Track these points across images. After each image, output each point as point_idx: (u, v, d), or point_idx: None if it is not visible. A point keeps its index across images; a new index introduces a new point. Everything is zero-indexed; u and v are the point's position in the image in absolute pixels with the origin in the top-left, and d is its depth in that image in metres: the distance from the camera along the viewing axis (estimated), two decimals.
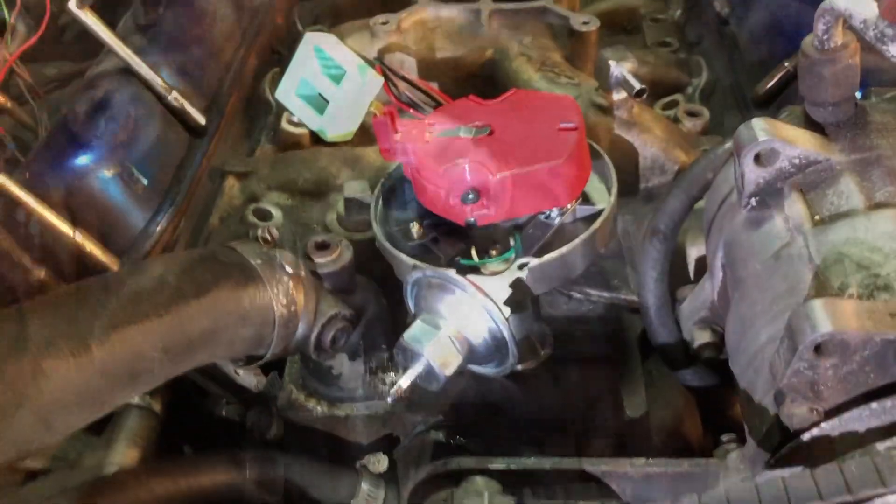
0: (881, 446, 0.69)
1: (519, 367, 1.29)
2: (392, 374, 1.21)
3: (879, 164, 0.90)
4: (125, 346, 0.86)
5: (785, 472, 0.71)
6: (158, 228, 1.32)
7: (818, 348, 0.73)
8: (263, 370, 1.22)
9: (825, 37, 0.90)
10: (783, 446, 0.77)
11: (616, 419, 1.26)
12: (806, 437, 0.74)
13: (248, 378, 1.17)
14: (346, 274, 1.16)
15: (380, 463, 1.23)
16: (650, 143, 1.35)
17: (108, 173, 1.30)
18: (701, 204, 1.22)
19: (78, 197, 1.28)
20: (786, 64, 1.49)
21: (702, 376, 1.17)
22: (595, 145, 1.24)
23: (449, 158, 1.13)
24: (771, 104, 1.50)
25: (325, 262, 1.13)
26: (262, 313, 1.02)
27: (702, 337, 1.11)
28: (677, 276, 1.22)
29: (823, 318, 0.72)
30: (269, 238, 1.10)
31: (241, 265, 1.02)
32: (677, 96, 1.57)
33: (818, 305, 0.73)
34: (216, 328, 0.96)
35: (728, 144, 1.12)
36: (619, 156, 1.30)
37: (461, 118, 1.20)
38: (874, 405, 0.71)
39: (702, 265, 1.25)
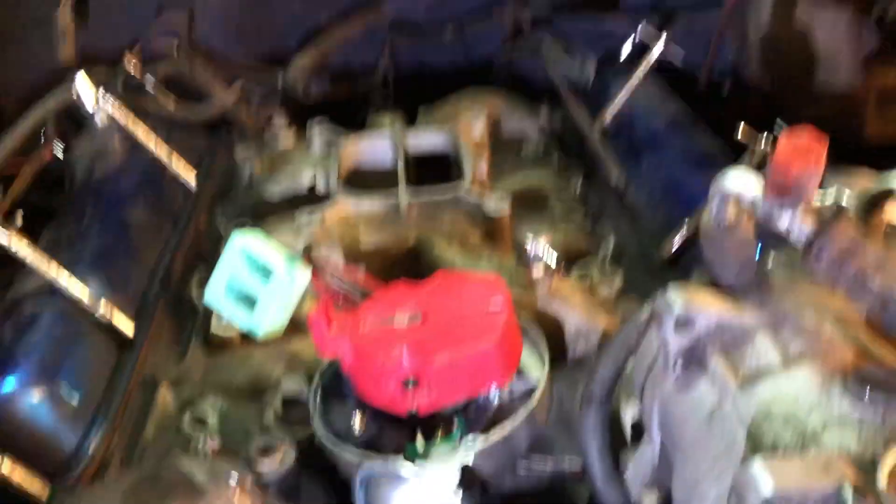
0: None
1: None
2: None
3: (787, 320, 0.97)
4: None
5: None
6: (91, 448, 1.28)
7: None
8: None
9: (720, 216, 0.99)
10: None
11: None
12: None
13: None
14: (290, 476, 1.14)
15: None
16: (572, 312, 1.42)
17: (35, 398, 1.27)
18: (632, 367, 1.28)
19: (3, 425, 1.24)
20: (685, 225, 1.61)
21: None
22: (523, 322, 1.30)
23: (385, 348, 1.16)
24: (677, 263, 1.61)
25: (270, 467, 1.12)
26: None
27: (650, 500, 1.12)
28: (617, 438, 1.25)
29: (766, 479, 0.76)
30: (211, 451, 1.09)
31: (185, 482, 1.00)
32: (590, 265, 1.66)
33: (760, 467, 0.77)
34: None
35: (646, 311, 1.19)
36: (545, 327, 1.35)
37: (393, 306, 1.24)
38: None
39: (637, 430, 1.29)
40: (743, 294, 1.03)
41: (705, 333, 0.99)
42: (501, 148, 2.13)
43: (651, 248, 1.69)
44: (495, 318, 1.19)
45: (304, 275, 1.49)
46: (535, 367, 1.28)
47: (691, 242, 1.62)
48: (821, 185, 1.14)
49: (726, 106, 2.34)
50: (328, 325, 1.20)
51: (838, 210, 0.90)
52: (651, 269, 1.66)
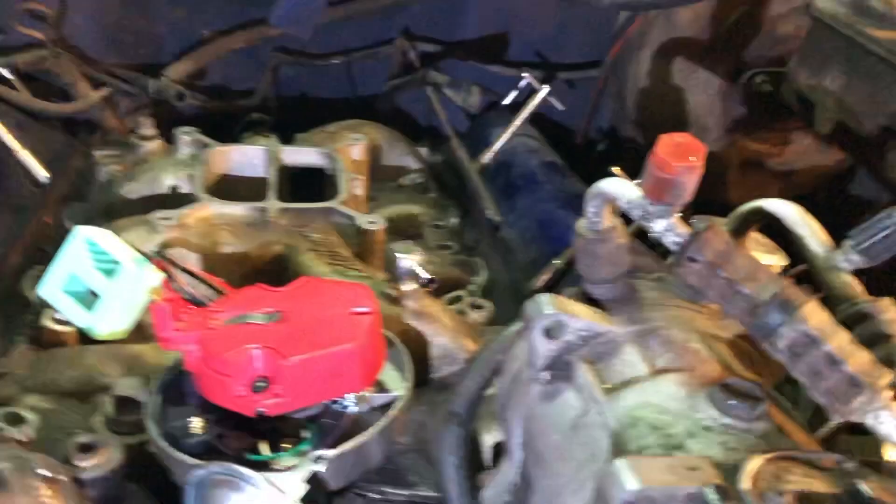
0: None
1: None
2: None
3: (656, 334, 0.96)
4: None
5: None
6: None
7: None
8: None
9: (596, 219, 0.98)
10: None
11: None
12: None
13: None
14: (114, 479, 1.02)
15: None
16: (440, 332, 1.37)
17: None
18: (492, 391, 1.23)
19: None
20: (554, 262, 1.61)
21: None
22: (388, 333, 1.24)
23: (236, 344, 1.07)
24: None
25: (91, 465, 0.99)
26: None
27: None
28: (475, 465, 1.20)
29: (630, 476, 0.72)
30: (23, 439, 0.95)
31: None
32: (461, 292, 1.63)
33: (624, 465, 0.73)
34: None
35: (514, 327, 1.16)
36: (411, 345, 1.29)
37: (251, 305, 1.15)
38: None
39: (498, 452, 1.24)
40: (613, 307, 1.01)
41: (574, 341, 0.96)
42: (379, 179, 2.09)
43: (522, 283, 1.68)
44: (359, 320, 1.12)
45: (153, 275, 1.37)
46: (396, 382, 1.21)
47: (560, 278, 1.62)
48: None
49: (601, 163, 2.41)
50: (175, 317, 1.10)
51: (711, 223, 0.90)
52: (521, 303, 1.63)
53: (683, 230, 0.88)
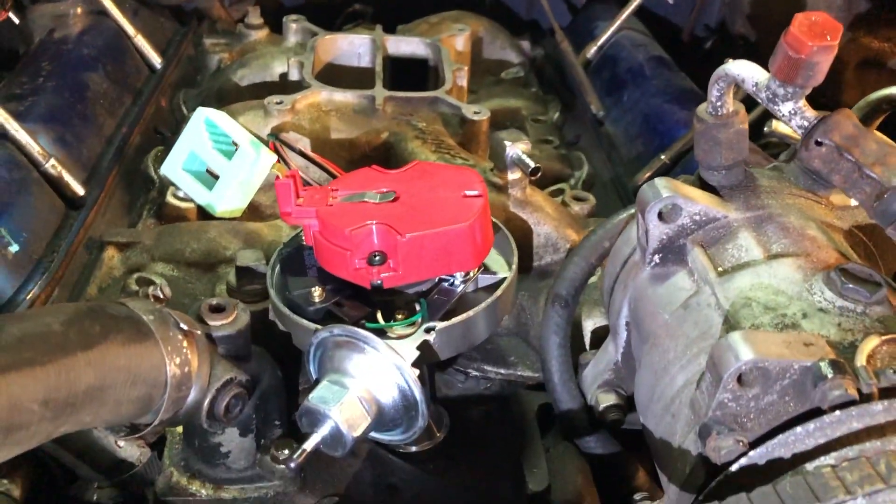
0: (810, 466, 0.70)
1: (414, 448, 1.25)
2: (286, 451, 1.13)
3: (772, 220, 0.96)
4: (1, 393, 0.77)
5: None
6: (28, 297, 1.21)
7: (741, 379, 0.74)
8: None
9: (719, 103, 0.97)
10: (710, 483, 0.77)
11: (517, 496, 1.22)
12: (734, 468, 0.74)
13: (132, 450, 1.06)
14: (241, 339, 1.09)
15: None
16: (543, 221, 1.39)
17: None
18: (594, 280, 1.26)
19: None
20: (661, 157, 1.59)
21: (605, 444, 1.17)
22: (494, 219, 1.26)
23: (354, 221, 1.11)
24: None
25: (221, 324, 1.07)
26: (153, 372, 0.94)
27: (606, 399, 1.11)
28: (575, 348, 1.24)
29: (745, 347, 0.74)
30: (160, 296, 1.03)
31: (131, 320, 0.94)
32: (563, 185, 1.64)
33: (739, 337, 0.75)
34: (104, 385, 0.87)
35: (622, 214, 1.17)
36: (514, 233, 1.32)
37: (365, 185, 1.19)
38: (798, 430, 0.72)
39: (598, 337, 1.27)
40: (729, 194, 1.01)
41: (688, 225, 0.97)
42: (481, 70, 2.09)
43: (625, 177, 1.68)
44: (471, 202, 1.15)
45: (269, 157, 1.43)
46: (501, 265, 1.24)
47: (666, 173, 1.61)
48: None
49: (708, 62, 2.33)
50: (297, 192, 1.15)
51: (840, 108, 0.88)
52: (623, 198, 1.64)
53: (812, 113, 0.87)
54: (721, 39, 2.34)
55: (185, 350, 0.97)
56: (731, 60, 1.54)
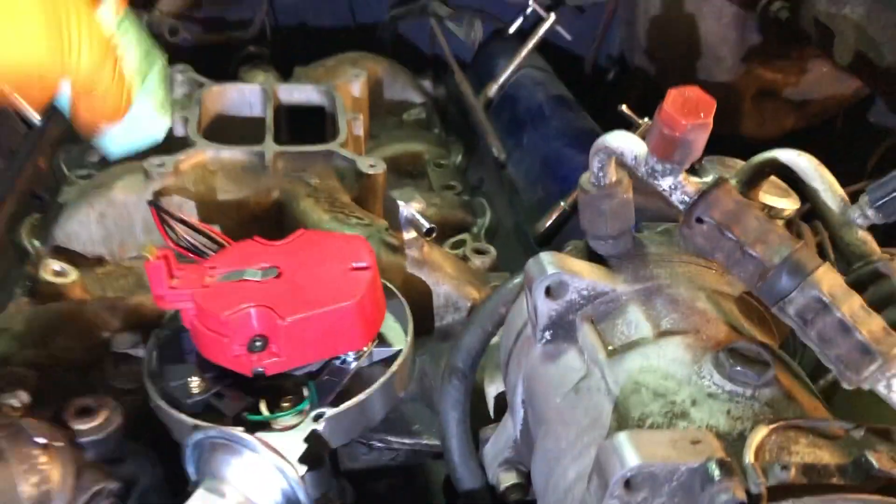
0: None
1: None
2: None
3: (661, 293, 0.93)
4: None
5: None
6: None
7: (628, 483, 0.70)
8: None
9: (600, 174, 0.93)
10: None
11: None
12: None
13: None
14: (113, 441, 1.01)
15: None
16: (442, 280, 1.34)
17: None
18: (496, 340, 1.21)
19: None
20: (561, 203, 1.57)
21: None
22: (389, 285, 1.21)
23: (232, 304, 1.05)
24: (551, 241, 1.57)
25: (88, 428, 0.99)
26: (5, 496, 0.85)
27: (507, 479, 1.06)
28: (478, 416, 1.19)
29: (630, 451, 0.70)
30: (16, 405, 0.94)
31: None
32: (464, 236, 1.60)
33: (624, 439, 0.71)
34: None
35: (518, 279, 1.13)
36: (413, 295, 1.27)
37: (245, 261, 1.13)
38: None
39: (501, 403, 1.23)
40: (617, 264, 0.98)
41: (577, 300, 0.94)
42: (381, 114, 2.04)
43: (526, 225, 1.65)
44: (358, 276, 1.10)
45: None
46: (397, 335, 1.19)
47: (566, 221, 1.58)
48: (695, 172, 1.11)
49: (610, 94, 2.34)
50: (169, 274, 1.07)
51: (721, 179, 0.85)
52: (525, 245, 1.61)
53: (691, 188, 0.84)
54: (622, 71, 2.35)
55: (42, 466, 0.89)
56: (623, 107, 1.53)
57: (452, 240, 1.57)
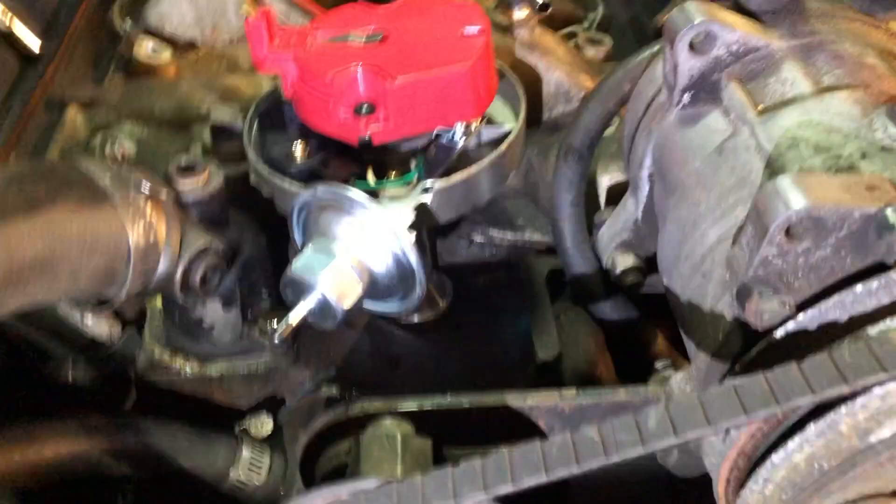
0: (873, 331, 0.60)
1: (416, 318, 1.16)
2: (275, 322, 1.04)
3: (822, 48, 0.82)
4: None
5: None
6: None
7: (789, 231, 0.62)
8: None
9: None
10: (748, 351, 0.67)
11: (526, 364, 1.14)
12: (778, 334, 0.64)
13: (100, 326, 0.97)
14: (216, 202, 0.98)
15: (263, 426, 1.06)
16: (554, 66, 1.24)
17: None
18: (610, 131, 1.12)
19: None
20: None
21: (621, 309, 1.07)
22: (499, 63, 1.12)
23: (337, 64, 0.97)
24: None
25: (192, 187, 0.95)
26: (112, 241, 0.83)
27: (624, 262, 1.00)
28: (589, 207, 1.12)
29: (796, 193, 0.61)
30: (120, 156, 0.91)
31: (84, 181, 0.83)
32: (575, 27, 1.48)
33: (789, 181, 0.62)
34: (52, 255, 0.77)
35: (644, 53, 1.03)
36: (521, 81, 1.18)
37: (349, 24, 1.05)
38: (859, 289, 0.61)
39: (615, 195, 1.15)
40: (772, 19, 0.86)
41: (724, 57, 0.83)
42: None
43: (644, 18, 1.51)
44: (471, 41, 1.01)
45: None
46: (507, 116, 1.11)
47: None
48: None
49: None
50: (270, 34, 1.00)
51: None
52: (641, 40, 1.48)
53: None
54: None
55: (149, 215, 0.86)
56: None
57: (562, 32, 1.45)
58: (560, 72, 1.24)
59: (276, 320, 1.04)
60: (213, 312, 1.03)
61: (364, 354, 1.14)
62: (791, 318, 0.63)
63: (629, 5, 1.55)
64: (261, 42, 1.01)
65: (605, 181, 1.16)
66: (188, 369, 1.05)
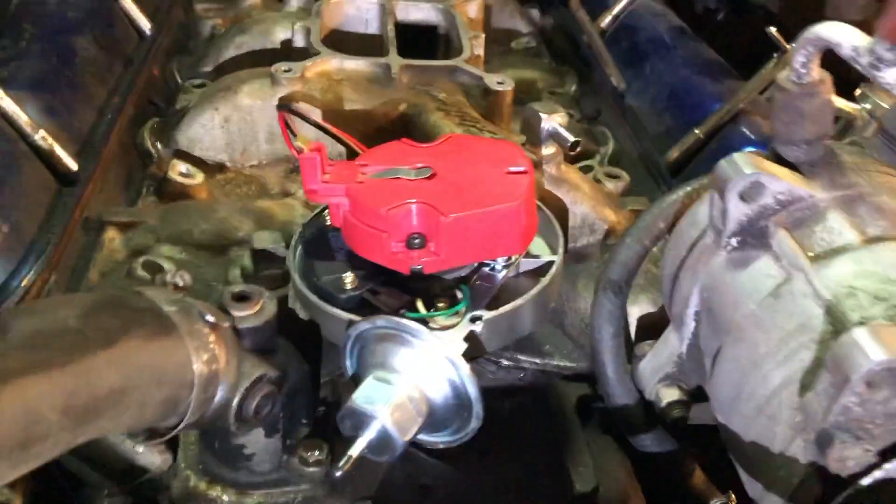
0: None
1: (441, 444, 1.16)
2: (316, 452, 1.03)
3: (863, 200, 0.87)
4: (16, 403, 0.65)
5: None
6: (23, 283, 1.09)
7: (868, 381, 0.66)
8: None
9: (804, 70, 0.88)
10: (829, 497, 0.68)
11: (560, 495, 1.14)
12: (865, 481, 0.66)
13: (151, 456, 0.95)
14: (269, 331, 0.98)
15: None
16: (580, 200, 1.29)
17: None
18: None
19: None
20: (696, 131, 1.50)
21: (662, 442, 1.08)
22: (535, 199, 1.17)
23: (391, 200, 1.01)
24: (683, 170, 1.51)
25: (247, 315, 0.96)
26: (179, 371, 0.83)
27: (670, 395, 1.02)
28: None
29: (875, 346, 0.65)
30: (180, 283, 0.92)
31: (153, 312, 0.83)
32: (591, 161, 1.55)
33: (867, 334, 0.66)
34: (126, 386, 0.76)
35: (678, 193, 1.08)
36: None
37: (397, 160, 1.09)
38: None
39: (645, 325, 1.18)
40: (810, 171, 0.92)
41: (771, 205, 0.88)
42: (489, 39, 1.97)
43: (654, 153, 1.58)
44: (517, 180, 1.05)
45: None
46: (542, 249, 1.15)
47: (699, 149, 1.52)
48: None
49: (718, 33, 2.25)
50: (323, 167, 1.04)
51: None
52: (655, 174, 1.55)
53: None
54: (733, 11, 2.26)
55: (211, 345, 0.86)
56: (771, 30, 1.45)
57: (579, 165, 1.52)
58: (586, 206, 1.30)
59: (315, 450, 1.04)
60: (256, 440, 1.02)
61: (396, 483, 1.12)
62: (877, 466, 0.65)
63: (637, 141, 1.63)
64: (314, 174, 1.04)
65: (635, 312, 1.19)
66: (226, 498, 1.03)
